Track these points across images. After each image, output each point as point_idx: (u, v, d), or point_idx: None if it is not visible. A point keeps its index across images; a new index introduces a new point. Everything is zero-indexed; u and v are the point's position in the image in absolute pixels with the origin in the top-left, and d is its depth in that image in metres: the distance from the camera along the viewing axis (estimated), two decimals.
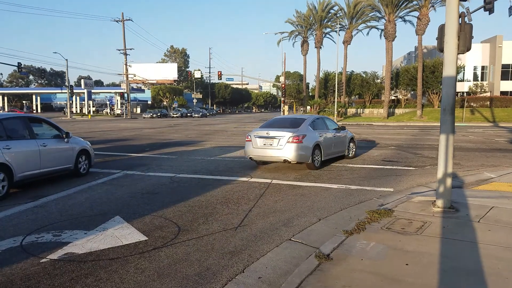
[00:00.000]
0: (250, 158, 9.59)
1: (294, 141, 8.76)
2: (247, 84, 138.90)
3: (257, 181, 7.97)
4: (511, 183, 7.29)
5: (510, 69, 46.28)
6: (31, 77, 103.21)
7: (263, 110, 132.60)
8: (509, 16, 20.80)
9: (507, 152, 13.02)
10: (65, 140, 8.06)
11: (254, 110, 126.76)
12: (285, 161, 8.96)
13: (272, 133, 9.14)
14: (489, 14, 18.23)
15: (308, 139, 9.07)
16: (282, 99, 52.52)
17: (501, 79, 46.28)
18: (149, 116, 56.59)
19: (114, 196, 6.65)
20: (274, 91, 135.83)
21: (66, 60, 53.24)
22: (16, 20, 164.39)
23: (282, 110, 52.31)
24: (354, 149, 11.59)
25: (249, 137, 9.59)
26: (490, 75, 47.48)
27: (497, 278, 3.22)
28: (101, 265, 3.75)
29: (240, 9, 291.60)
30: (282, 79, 53.48)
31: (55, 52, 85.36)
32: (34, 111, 73.22)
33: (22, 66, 43.99)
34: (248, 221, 5.20)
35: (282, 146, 8.84)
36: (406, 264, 3.53)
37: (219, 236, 4.60)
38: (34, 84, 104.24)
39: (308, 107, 53.20)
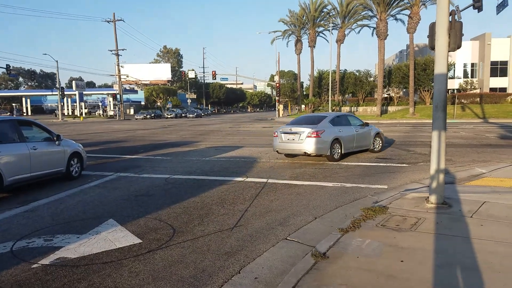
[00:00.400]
0: (277, 151, 11.03)
1: (313, 135, 9.97)
2: (242, 83, 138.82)
3: (253, 180, 7.96)
4: (502, 178, 7.39)
5: (499, 66, 46.96)
6: (20, 79, 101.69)
7: (258, 109, 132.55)
8: (497, 14, 21.09)
9: (497, 147, 13.20)
10: (56, 142, 7.95)
11: (249, 110, 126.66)
12: (305, 153, 10.23)
13: (295, 129, 10.46)
14: (478, 12, 18.45)
15: (327, 134, 10.20)
16: (277, 98, 52.61)
17: (490, 76, 46.93)
18: (141, 117, 56.03)
19: (107, 199, 6.57)
20: (268, 90, 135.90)
21: (57, 61, 52.62)
22: (3, 21, 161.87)
23: (277, 110, 52.36)
24: (380, 144, 12.23)
25: (276, 133, 10.91)
26: (480, 72, 48.14)
27: (490, 272, 3.25)
28: (95, 269, 3.70)
29: (234, 9, 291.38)
30: (276, 78, 53.53)
31: (45, 54, 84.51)
32: (25, 114, 72.20)
33: (11, 68, 43.33)
34: (244, 221, 5.18)
35: (302, 140, 10.11)
36: (401, 261, 3.55)
37: (215, 237, 4.57)
38: (24, 86, 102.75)
39: (303, 106, 53.34)
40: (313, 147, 9.95)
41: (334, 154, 10.34)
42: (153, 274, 3.58)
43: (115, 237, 4.58)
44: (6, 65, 41.05)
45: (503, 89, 45.97)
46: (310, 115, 12.40)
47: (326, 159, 10.52)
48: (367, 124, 11.92)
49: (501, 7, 20.59)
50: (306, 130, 10.11)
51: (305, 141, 10.03)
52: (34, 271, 3.66)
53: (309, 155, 10.29)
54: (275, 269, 3.62)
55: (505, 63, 46.77)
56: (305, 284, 3.16)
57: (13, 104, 79.45)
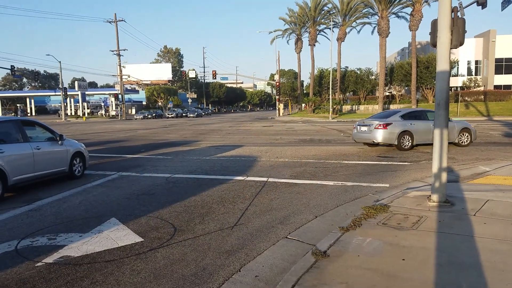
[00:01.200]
0: (354, 140, 13.26)
1: (379, 127, 11.89)
2: (242, 83, 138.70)
3: (253, 179, 7.96)
4: (506, 176, 7.35)
5: (504, 63, 46.66)
6: (24, 80, 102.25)
7: (258, 108, 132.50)
8: (502, 10, 20.91)
9: (501, 145, 13.12)
10: (59, 142, 7.99)
11: (250, 109, 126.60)
12: (373, 142, 12.14)
13: (367, 121, 12.65)
14: (482, 8, 18.29)
15: (394, 126, 11.90)
16: (277, 97, 52.55)
17: (495, 73, 46.66)
18: (141, 117, 55.49)
19: (109, 198, 6.60)
20: (268, 89, 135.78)
21: (60, 62, 52.83)
22: (8, 22, 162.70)
23: (277, 109, 52.30)
24: (468, 138, 12.80)
25: (354, 125, 13.19)
26: (484, 70, 47.84)
27: (493, 271, 3.24)
28: (97, 267, 3.72)
29: (234, 8, 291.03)
30: (276, 77, 53.48)
31: (48, 55, 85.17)
32: (29, 114, 72.59)
33: (15, 69, 43.55)
34: (244, 220, 5.19)
35: (371, 131, 12.11)
36: (403, 259, 3.54)
37: (216, 236, 4.58)
38: (28, 87, 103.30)
39: (303, 105, 53.26)
40: (380, 137, 11.82)
41: (403, 145, 11.88)
42: (155, 272, 3.60)
43: (117, 235, 4.60)
44: (11, 66, 41.25)
45: (508, 87, 45.68)
46: (387, 111, 14.31)
47: (396, 148, 12.11)
48: (449, 119, 12.78)
49: (506, 3, 20.38)
50: (375, 123, 12.06)
51: (373, 131, 11.99)
52: (38, 270, 3.69)
53: (377, 144, 12.25)
54: (275, 267, 3.62)
55: (510, 60, 46.47)
56: (306, 282, 3.16)
57: (18, 105, 79.91)
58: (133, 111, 74.83)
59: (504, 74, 46.68)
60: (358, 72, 49.72)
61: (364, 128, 12.47)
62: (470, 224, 4.50)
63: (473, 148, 12.49)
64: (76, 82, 62.03)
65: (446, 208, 5.14)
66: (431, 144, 12.33)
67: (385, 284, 3.07)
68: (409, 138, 11.98)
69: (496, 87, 45.57)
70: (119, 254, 4.06)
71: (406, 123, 12.02)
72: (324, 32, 50.84)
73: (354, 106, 48.30)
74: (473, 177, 7.50)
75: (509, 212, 4.90)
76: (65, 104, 56.64)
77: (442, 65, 5.36)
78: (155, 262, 3.83)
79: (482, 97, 39.32)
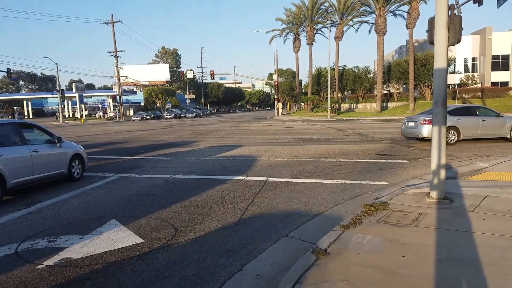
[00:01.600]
0: (403, 135, 14.18)
1: (424, 123, 12.74)
2: (240, 83, 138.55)
3: (253, 179, 7.97)
4: (504, 172, 7.39)
5: (500, 60, 46.81)
6: (21, 82, 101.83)
7: (257, 108, 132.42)
8: (498, 7, 20.94)
9: (499, 142, 13.18)
10: (58, 145, 7.98)
11: (250, 108, 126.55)
12: (418, 136, 13.01)
13: (414, 117, 13.71)
14: (478, 6, 18.34)
15: None
16: (276, 96, 52.56)
17: (492, 70, 46.79)
18: (139, 118, 55.05)
19: (109, 200, 6.60)
20: (267, 89, 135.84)
21: (56, 64, 52.70)
22: (3, 24, 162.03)
23: (276, 108, 52.33)
24: None
25: (403, 121, 14.17)
26: (481, 67, 47.99)
27: (492, 266, 3.26)
28: (98, 269, 3.73)
29: (231, 8, 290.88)
30: (275, 76, 53.48)
31: (45, 57, 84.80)
32: (26, 117, 72.31)
33: (11, 71, 43.40)
34: (244, 219, 5.20)
35: (417, 126, 13.04)
36: (403, 256, 3.56)
37: (216, 236, 4.59)
38: (25, 90, 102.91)
39: (302, 104, 53.31)
40: (425, 132, 12.56)
41: (448, 139, 12.21)
42: (156, 273, 3.60)
43: (117, 237, 4.60)
44: (7, 68, 41.10)
45: (505, 83, 45.84)
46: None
47: None
48: (500, 115, 13.45)
49: (502, 0, 20.46)
50: (420, 118, 12.97)
51: (418, 127, 12.89)
52: (38, 272, 3.69)
53: (422, 138, 12.95)
54: (276, 266, 3.64)
55: (506, 57, 46.62)
56: (307, 280, 3.17)
57: (15, 108, 79.58)
58: (131, 112, 74.66)
59: (501, 70, 46.83)
60: (356, 70, 49.78)
61: (411, 124, 13.34)
62: (469, 220, 4.52)
63: (471, 145, 12.55)
64: (73, 84, 61.83)
65: (445, 205, 5.17)
66: (480, 139, 13.26)
67: (385, 281, 3.09)
68: (455, 133, 12.57)
69: (493, 83, 45.71)
70: (120, 255, 4.06)
71: (452, 119, 12.43)
72: (321, 31, 51.00)
73: (352, 104, 48.37)
74: (472, 173, 7.53)
75: (507, 208, 4.93)
76: (62, 106, 56.48)
77: (439, 63, 5.39)
78: (156, 263, 3.84)
79: (480, 94, 39.43)
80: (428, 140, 12.38)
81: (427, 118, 12.63)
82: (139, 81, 78.62)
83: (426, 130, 12.59)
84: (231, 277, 3.46)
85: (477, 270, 3.21)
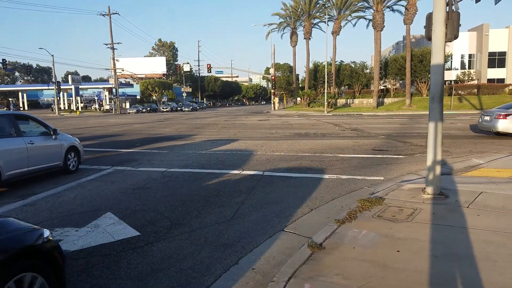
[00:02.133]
0: (479, 128, 14.21)
1: (499, 117, 12.72)
2: (237, 76, 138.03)
3: (249, 173, 7.97)
4: (499, 169, 7.45)
5: (497, 57, 46.96)
6: (16, 74, 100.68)
7: (253, 102, 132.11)
8: (495, 4, 21.00)
9: (494, 138, 13.27)
10: (53, 137, 7.91)
11: (245, 102, 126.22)
12: (492, 130, 13.09)
13: (489, 112, 13.66)
14: (476, 2, 18.33)
15: None
16: (272, 91, 52.42)
17: (488, 67, 46.95)
18: (134, 111, 54.56)
19: (105, 193, 6.58)
20: (264, 83, 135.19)
21: (52, 55, 51.95)
22: None
23: (272, 102, 52.24)
24: None
25: (480, 115, 14.11)
26: (477, 63, 48.14)
27: (487, 262, 3.30)
28: (94, 261, 3.72)
29: (229, 1, 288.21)
30: (272, 71, 53.28)
31: (41, 48, 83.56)
32: (21, 109, 71.60)
33: (7, 62, 42.85)
34: (240, 213, 5.21)
35: (491, 121, 13.04)
36: (398, 251, 3.59)
37: (212, 229, 4.59)
38: (20, 81, 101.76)
39: (299, 99, 53.23)
40: (499, 127, 12.60)
41: None
42: (152, 266, 3.61)
43: (113, 230, 4.59)
44: (2, 59, 40.63)
45: (501, 80, 46.05)
46: (509, 103, 14.77)
47: None
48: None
49: None
50: (494, 113, 12.98)
51: (493, 121, 12.91)
52: None
53: (496, 132, 13.03)
54: (272, 260, 3.65)
55: (503, 53, 46.78)
56: (302, 274, 3.19)
57: (10, 99, 78.71)
58: (127, 105, 74.16)
59: (497, 67, 47.01)
60: (353, 65, 49.66)
61: (487, 118, 13.36)
62: (464, 216, 4.56)
63: (466, 141, 12.63)
64: (69, 76, 61.24)
65: (440, 201, 5.21)
66: None
67: (380, 275, 3.11)
68: None
69: (489, 80, 45.91)
70: (115, 248, 4.06)
71: None
72: (319, 25, 50.62)
73: (349, 99, 48.37)
74: (467, 169, 7.59)
75: (501, 204, 4.98)
76: (58, 98, 55.93)
77: (437, 59, 5.38)
78: (152, 256, 3.84)
79: (476, 90, 39.59)
80: (504, 134, 12.92)
81: (502, 113, 12.64)
82: (135, 74, 78.00)
83: (500, 124, 12.57)
84: (226, 270, 3.47)
85: (471, 265, 3.24)
